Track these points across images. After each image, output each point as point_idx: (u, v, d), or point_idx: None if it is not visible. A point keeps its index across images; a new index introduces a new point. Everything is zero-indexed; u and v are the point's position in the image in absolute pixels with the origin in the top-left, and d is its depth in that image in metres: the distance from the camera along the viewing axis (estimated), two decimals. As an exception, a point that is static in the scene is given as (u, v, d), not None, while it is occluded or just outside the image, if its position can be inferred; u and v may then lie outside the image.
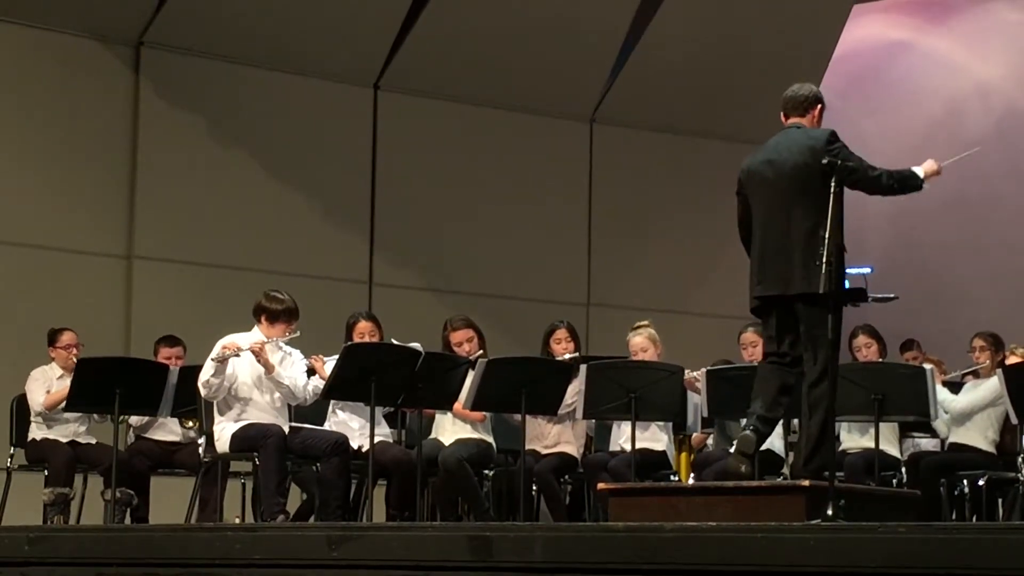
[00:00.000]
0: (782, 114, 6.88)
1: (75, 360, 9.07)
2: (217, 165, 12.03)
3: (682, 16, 13.17)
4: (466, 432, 8.73)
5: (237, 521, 9.16)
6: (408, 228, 12.77)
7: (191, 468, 9.04)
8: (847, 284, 6.44)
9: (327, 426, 8.57)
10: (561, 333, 9.06)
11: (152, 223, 11.75)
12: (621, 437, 8.91)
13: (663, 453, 8.89)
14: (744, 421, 6.84)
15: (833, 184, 6.32)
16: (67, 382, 9.05)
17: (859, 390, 8.26)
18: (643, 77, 13.38)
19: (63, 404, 8.90)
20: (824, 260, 6.13)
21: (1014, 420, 8.43)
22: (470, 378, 8.33)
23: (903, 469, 8.90)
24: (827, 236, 6.19)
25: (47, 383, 9.26)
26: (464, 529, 5.31)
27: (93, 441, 9.28)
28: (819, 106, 6.85)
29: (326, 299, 11.29)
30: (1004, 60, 14.36)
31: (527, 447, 8.71)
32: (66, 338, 9.39)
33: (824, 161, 6.43)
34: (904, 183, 6.75)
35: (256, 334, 8.13)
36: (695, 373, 8.69)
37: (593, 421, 9.13)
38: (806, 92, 6.88)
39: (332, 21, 12.22)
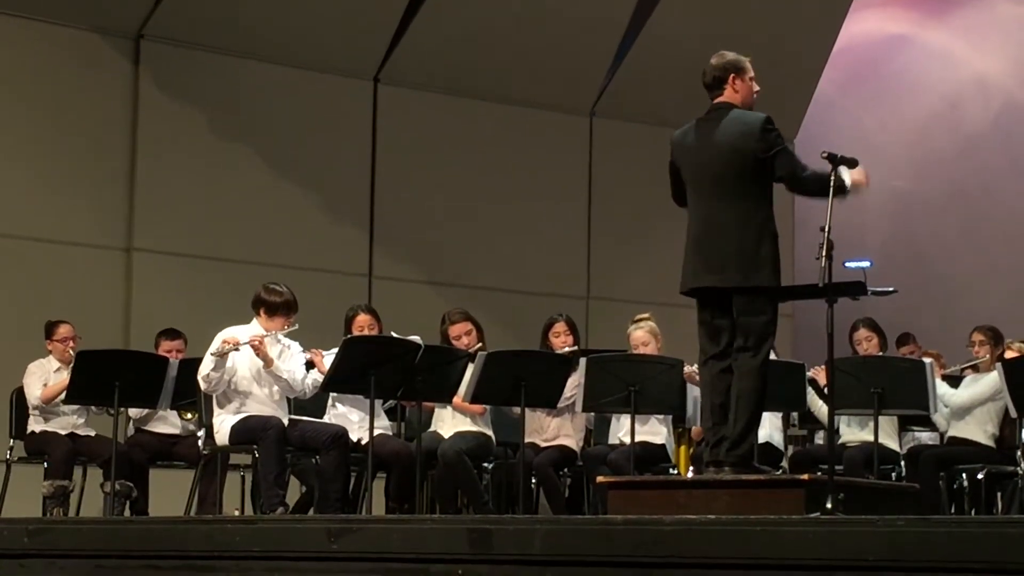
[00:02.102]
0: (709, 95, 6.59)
1: (72, 353, 9.07)
2: (217, 158, 12.01)
3: (682, 9, 13.15)
4: (465, 425, 8.73)
5: (236, 513, 9.15)
6: (408, 221, 12.76)
7: (190, 460, 9.04)
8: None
9: (327, 419, 8.56)
10: (560, 326, 9.06)
11: (152, 216, 11.74)
12: (620, 430, 8.91)
13: (663, 446, 8.89)
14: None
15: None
16: (64, 375, 9.05)
17: (859, 384, 8.27)
18: (643, 71, 13.36)
19: (60, 397, 8.90)
20: (824, 254, 6.11)
21: (1013, 414, 8.44)
22: (469, 371, 8.34)
23: (902, 463, 8.90)
24: (827, 229, 6.16)
25: (44, 376, 9.25)
26: (463, 522, 5.31)
27: (92, 433, 9.27)
28: (731, 75, 6.50)
29: (325, 292, 11.28)
30: (1003, 54, 14.34)
31: (526, 440, 8.72)
32: (63, 331, 9.38)
33: (771, 152, 6.31)
34: (823, 185, 6.24)
35: (255, 327, 8.13)
36: (695, 366, 8.67)
37: (592, 414, 9.13)
38: (713, 69, 6.49)
39: (332, 14, 12.20)
